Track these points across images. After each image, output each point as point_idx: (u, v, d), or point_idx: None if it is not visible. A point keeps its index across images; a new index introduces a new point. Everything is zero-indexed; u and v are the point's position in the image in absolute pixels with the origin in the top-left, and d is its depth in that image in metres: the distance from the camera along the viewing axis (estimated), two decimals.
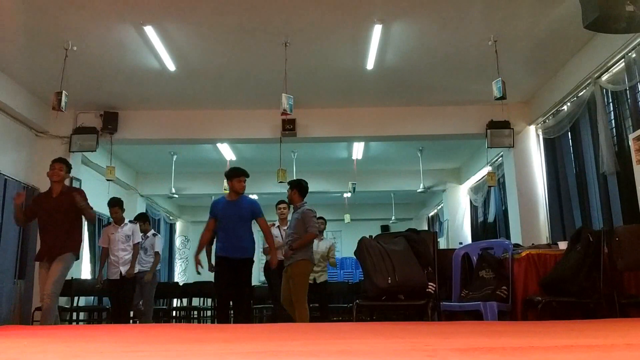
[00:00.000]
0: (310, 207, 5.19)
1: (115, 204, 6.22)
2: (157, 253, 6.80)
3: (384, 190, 11.37)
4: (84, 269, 8.48)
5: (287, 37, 5.63)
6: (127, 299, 6.08)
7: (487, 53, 5.82)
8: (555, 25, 5.41)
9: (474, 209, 10.14)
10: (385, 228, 13.03)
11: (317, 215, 5.50)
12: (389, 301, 4.07)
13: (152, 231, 7.05)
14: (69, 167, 4.96)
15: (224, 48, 5.90)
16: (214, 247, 6.48)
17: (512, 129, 7.32)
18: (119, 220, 6.19)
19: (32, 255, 6.75)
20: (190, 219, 14.10)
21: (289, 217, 5.97)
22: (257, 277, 9.40)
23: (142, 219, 6.86)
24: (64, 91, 5.58)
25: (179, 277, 13.37)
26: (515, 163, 7.43)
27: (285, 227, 6.12)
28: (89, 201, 4.85)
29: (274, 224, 6.37)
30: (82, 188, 6.06)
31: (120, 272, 6.00)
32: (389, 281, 3.94)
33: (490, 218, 9.09)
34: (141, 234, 6.47)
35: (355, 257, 4.50)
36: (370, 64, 6.20)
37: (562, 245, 4.46)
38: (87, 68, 6.21)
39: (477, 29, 5.52)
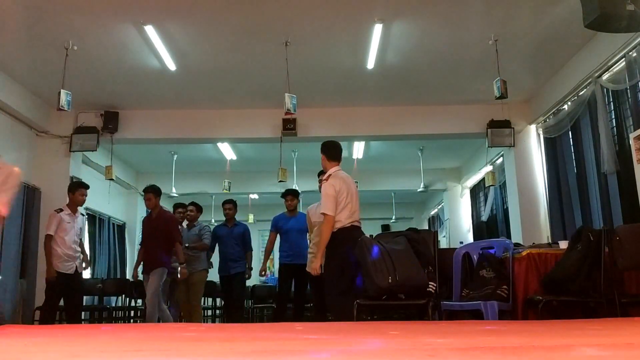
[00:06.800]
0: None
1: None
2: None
3: (384, 189, 11.36)
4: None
5: (287, 37, 5.63)
6: None
7: (487, 52, 5.81)
8: (556, 24, 5.40)
9: (474, 208, 10.14)
10: (385, 227, 13.01)
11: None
12: (389, 300, 4.06)
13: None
14: (158, 193, 5.79)
15: (224, 47, 5.90)
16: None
17: (513, 128, 7.32)
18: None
19: (34, 255, 6.76)
20: None
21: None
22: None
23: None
24: (67, 90, 5.59)
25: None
26: (516, 162, 7.42)
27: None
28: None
29: None
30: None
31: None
32: (390, 280, 3.93)
33: (491, 217, 9.08)
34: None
35: (355, 256, 4.48)
36: (370, 64, 6.19)
37: (563, 244, 4.44)
38: (87, 68, 6.21)
39: (478, 28, 5.51)
